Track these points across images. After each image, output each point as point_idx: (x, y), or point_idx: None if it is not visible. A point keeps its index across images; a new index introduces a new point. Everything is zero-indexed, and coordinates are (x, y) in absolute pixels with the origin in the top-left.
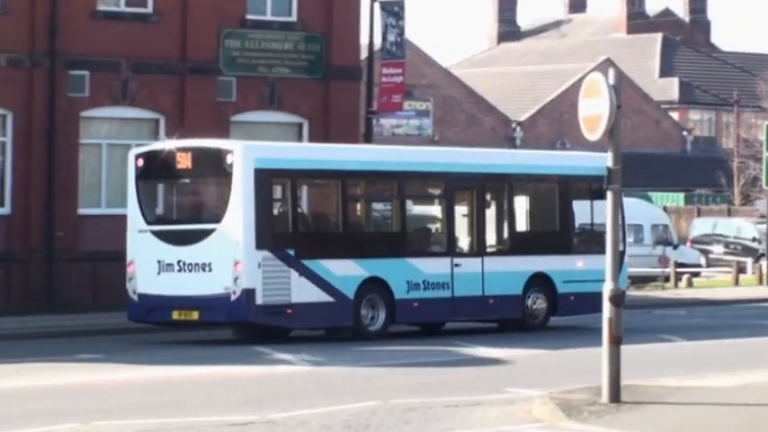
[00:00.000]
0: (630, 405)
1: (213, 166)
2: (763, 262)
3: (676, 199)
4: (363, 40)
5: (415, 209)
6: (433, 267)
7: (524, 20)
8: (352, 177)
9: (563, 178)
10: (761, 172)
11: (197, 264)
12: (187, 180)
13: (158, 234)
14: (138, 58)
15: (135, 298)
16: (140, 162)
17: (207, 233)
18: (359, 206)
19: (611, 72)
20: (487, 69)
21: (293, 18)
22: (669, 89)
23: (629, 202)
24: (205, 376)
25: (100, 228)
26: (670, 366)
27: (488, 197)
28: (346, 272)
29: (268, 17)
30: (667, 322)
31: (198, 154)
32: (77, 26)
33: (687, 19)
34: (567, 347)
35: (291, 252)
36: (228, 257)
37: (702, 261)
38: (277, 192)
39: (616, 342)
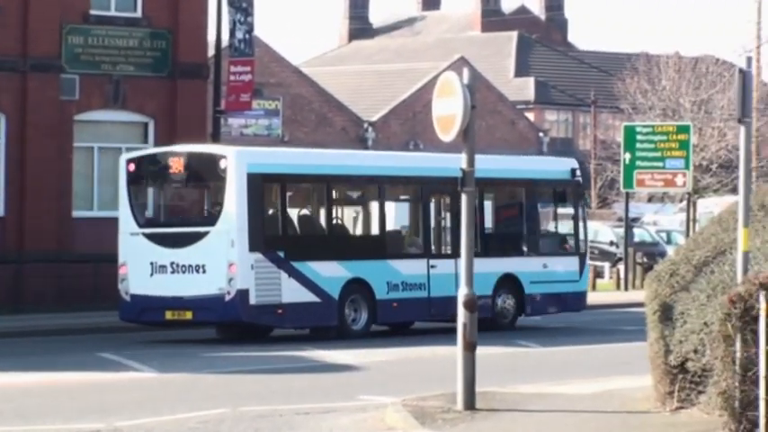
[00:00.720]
0: (486, 412)
1: (206, 171)
2: (620, 266)
3: None
4: (211, 36)
5: (394, 212)
6: (410, 269)
7: (377, 17)
8: (337, 182)
9: (530, 182)
10: (618, 174)
11: (190, 265)
12: (180, 184)
13: (151, 237)
14: None
15: (127, 299)
16: (132, 167)
17: (200, 236)
18: (342, 210)
19: (466, 71)
20: (338, 68)
21: (138, 14)
22: (525, 89)
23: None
24: (51, 383)
25: None
26: (527, 373)
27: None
28: (331, 273)
29: (112, 12)
30: (523, 328)
31: (191, 159)
32: None
33: (543, 17)
34: (430, 352)
35: (281, 254)
36: (223, 259)
37: None
38: (267, 196)
39: (470, 348)
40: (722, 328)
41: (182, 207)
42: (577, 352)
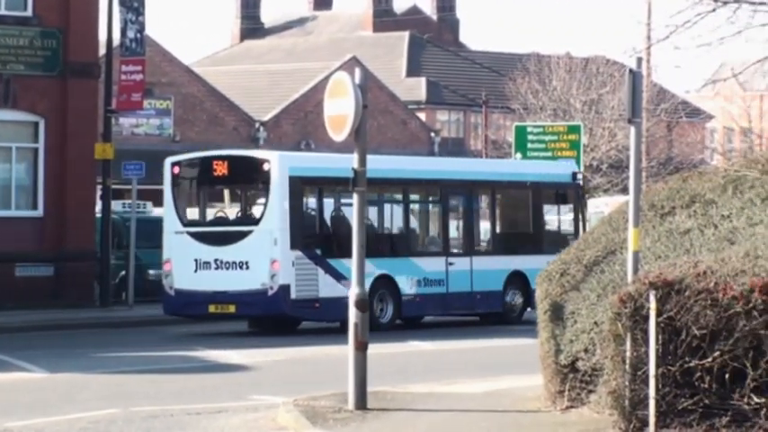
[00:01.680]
0: (377, 412)
1: (250, 174)
2: None
3: None
4: (102, 36)
5: (417, 212)
6: (431, 266)
7: (268, 17)
8: (368, 184)
9: (535, 185)
10: None
11: (234, 262)
12: (223, 186)
13: (195, 235)
14: None
15: (171, 293)
16: (176, 170)
17: (244, 234)
18: (370, 210)
19: (357, 71)
20: (230, 67)
21: (29, 12)
22: (416, 89)
23: None
24: None
25: None
26: (418, 372)
27: (476, 202)
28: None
29: (2, 11)
30: (416, 327)
31: (235, 162)
32: None
33: (435, 17)
34: (322, 352)
35: (318, 252)
36: (266, 256)
37: None
38: (305, 197)
39: (362, 348)
40: (612, 327)
41: (225, 208)
42: (466, 351)
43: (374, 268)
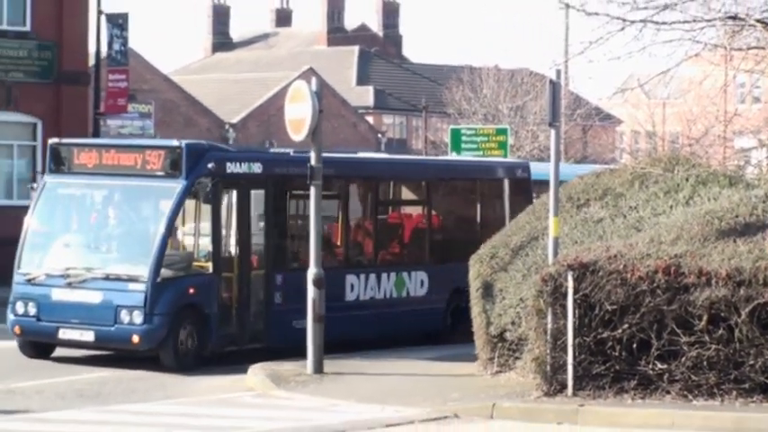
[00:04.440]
0: (333, 376)
1: None
2: None
3: None
4: (91, 48)
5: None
6: None
7: (236, 32)
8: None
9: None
10: None
11: None
12: None
13: None
14: None
15: None
16: None
17: None
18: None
19: (314, 80)
20: (203, 76)
21: (27, 28)
22: (365, 96)
23: None
24: None
25: None
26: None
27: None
28: None
29: (4, 26)
30: None
31: None
32: None
33: (381, 33)
34: None
35: None
36: None
37: None
38: None
39: (319, 320)
40: (536, 303)
41: None
42: None
43: None
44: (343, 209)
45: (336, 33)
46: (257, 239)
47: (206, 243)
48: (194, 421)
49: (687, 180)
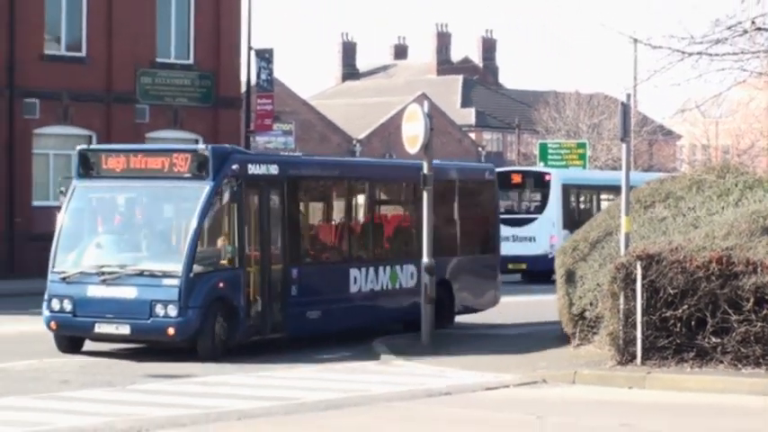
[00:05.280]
0: (441, 348)
1: (537, 183)
2: None
3: None
4: (243, 77)
5: None
6: None
7: (362, 64)
8: (605, 190)
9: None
10: None
11: (525, 236)
12: (519, 190)
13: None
14: (76, 89)
15: None
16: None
17: (533, 220)
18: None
19: (426, 104)
20: (335, 101)
21: (191, 61)
22: (468, 116)
23: None
24: None
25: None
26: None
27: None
28: None
29: (172, 60)
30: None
31: (526, 174)
32: (30, 66)
33: (481, 64)
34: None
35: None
36: (547, 233)
37: None
38: (569, 196)
39: (431, 301)
40: (610, 287)
41: (521, 203)
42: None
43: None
44: (346, 209)
45: (444, 65)
46: (275, 235)
47: (232, 240)
48: (332, 384)
49: (736, 185)
